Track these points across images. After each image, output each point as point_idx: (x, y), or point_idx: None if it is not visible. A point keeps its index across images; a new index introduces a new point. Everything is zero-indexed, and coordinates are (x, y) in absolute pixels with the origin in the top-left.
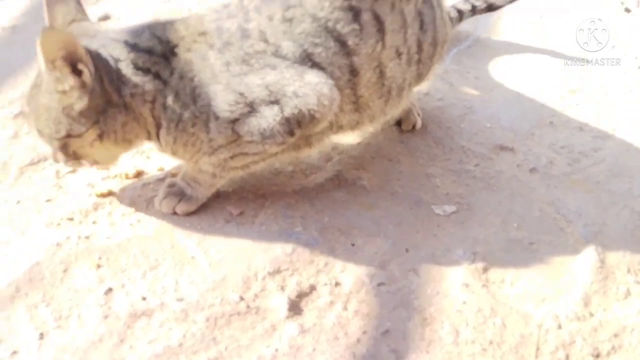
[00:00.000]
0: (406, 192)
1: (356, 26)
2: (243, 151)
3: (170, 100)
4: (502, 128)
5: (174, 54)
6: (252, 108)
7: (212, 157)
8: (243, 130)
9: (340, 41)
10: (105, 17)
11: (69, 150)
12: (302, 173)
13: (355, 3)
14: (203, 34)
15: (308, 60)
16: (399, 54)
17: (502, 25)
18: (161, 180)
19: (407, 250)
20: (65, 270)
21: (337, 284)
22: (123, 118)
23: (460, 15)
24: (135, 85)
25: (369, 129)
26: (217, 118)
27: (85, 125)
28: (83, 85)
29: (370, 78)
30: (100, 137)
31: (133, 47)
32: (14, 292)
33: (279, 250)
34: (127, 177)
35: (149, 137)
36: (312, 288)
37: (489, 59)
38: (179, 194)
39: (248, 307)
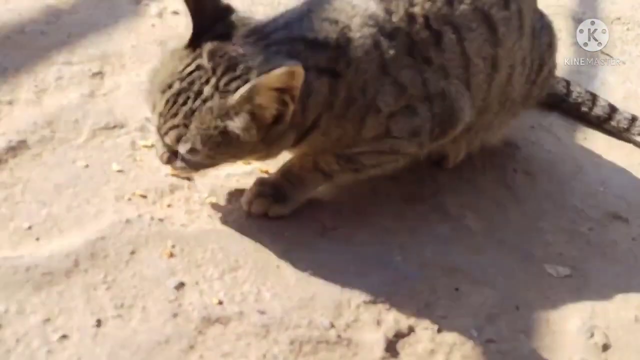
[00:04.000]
0: (515, 243)
1: (507, 14)
2: (382, 148)
3: (342, 96)
4: (614, 195)
5: (350, 41)
6: (409, 103)
7: (345, 150)
8: (396, 126)
9: (492, 28)
10: None
11: (196, 162)
12: (402, 199)
13: None
14: (373, 17)
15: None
16: (524, 63)
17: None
18: (248, 174)
19: (517, 308)
20: (132, 252)
21: (439, 331)
22: (292, 134)
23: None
24: (317, 93)
25: (462, 146)
26: (378, 112)
27: (255, 151)
28: (279, 116)
29: (502, 78)
30: (260, 158)
31: (313, 44)
32: (72, 266)
33: (377, 278)
34: None
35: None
36: (411, 329)
37: None
38: (273, 195)
39: (339, 336)
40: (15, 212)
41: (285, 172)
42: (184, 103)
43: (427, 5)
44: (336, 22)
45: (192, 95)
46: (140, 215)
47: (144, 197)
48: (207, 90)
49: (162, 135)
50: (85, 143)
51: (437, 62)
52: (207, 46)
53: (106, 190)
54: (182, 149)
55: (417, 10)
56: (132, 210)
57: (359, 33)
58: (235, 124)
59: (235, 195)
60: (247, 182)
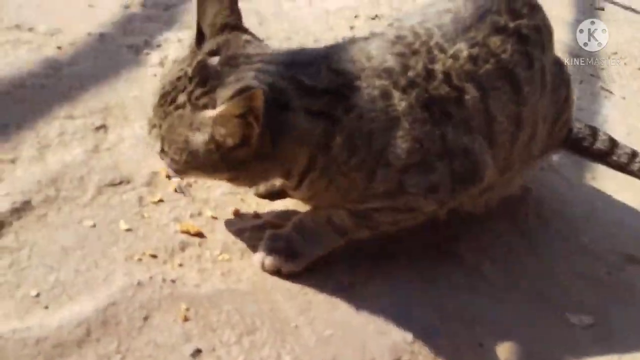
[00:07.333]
0: (533, 291)
1: (530, 74)
2: (396, 205)
3: (339, 140)
4: (629, 237)
5: (355, 89)
6: (424, 159)
7: (358, 205)
8: (411, 182)
9: (517, 87)
10: None
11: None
12: (416, 245)
13: (530, 49)
14: (388, 70)
15: (483, 107)
16: (544, 117)
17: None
18: (259, 228)
19: None
20: (145, 318)
21: None
22: (268, 165)
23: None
24: (304, 131)
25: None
26: (388, 165)
27: (218, 170)
28: (244, 140)
29: (526, 136)
30: (231, 180)
31: (310, 90)
32: (84, 336)
33: (398, 336)
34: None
35: (286, 177)
36: None
37: None
38: (285, 250)
39: None
40: (22, 278)
41: (298, 225)
42: (163, 105)
43: (449, 62)
44: (345, 72)
45: (169, 99)
46: (152, 276)
47: (155, 256)
48: (180, 98)
49: (148, 129)
50: (92, 201)
51: (459, 117)
52: (198, 56)
53: (115, 251)
54: (156, 147)
55: (437, 67)
56: (143, 271)
57: (366, 83)
58: (197, 139)
59: (247, 251)
60: (259, 237)
